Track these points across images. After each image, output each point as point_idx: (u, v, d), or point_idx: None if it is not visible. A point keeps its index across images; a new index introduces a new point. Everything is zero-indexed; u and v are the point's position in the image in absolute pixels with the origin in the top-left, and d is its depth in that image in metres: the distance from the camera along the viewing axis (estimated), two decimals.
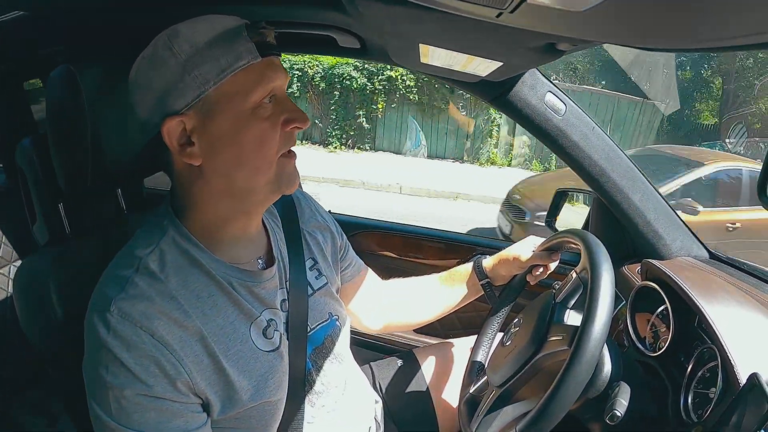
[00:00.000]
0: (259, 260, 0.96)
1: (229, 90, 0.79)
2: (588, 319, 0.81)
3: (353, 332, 1.17)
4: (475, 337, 1.26)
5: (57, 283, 0.93)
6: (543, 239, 1.21)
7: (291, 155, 0.88)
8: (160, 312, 0.78)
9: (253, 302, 0.90)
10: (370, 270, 1.31)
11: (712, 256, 1.35)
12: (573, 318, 0.95)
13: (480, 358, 1.21)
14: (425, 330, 1.72)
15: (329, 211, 1.24)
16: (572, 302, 0.97)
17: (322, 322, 1.03)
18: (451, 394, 1.25)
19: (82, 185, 0.97)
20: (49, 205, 1.02)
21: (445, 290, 1.32)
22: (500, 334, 1.15)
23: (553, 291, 1.03)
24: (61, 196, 1.02)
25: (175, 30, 0.80)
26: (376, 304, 1.31)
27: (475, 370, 1.19)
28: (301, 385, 0.95)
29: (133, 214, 1.15)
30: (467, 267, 1.31)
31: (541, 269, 1.21)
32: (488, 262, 1.29)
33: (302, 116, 0.85)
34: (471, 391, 1.12)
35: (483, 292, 1.29)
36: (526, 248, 1.23)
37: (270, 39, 0.83)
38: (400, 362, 1.41)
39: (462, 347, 1.39)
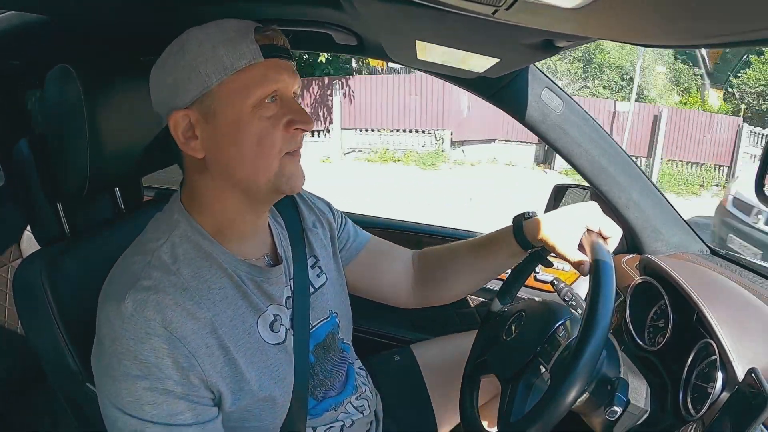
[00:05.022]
0: (266, 257, 0.98)
1: (231, 88, 0.83)
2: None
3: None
4: (470, 332, 1.25)
5: (53, 284, 0.94)
6: (595, 223, 1.02)
7: (295, 155, 0.89)
8: (174, 304, 0.79)
9: (261, 297, 0.92)
10: (386, 241, 1.27)
11: (711, 251, 1.35)
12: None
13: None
14: (422, 326, 1.72)
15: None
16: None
17: (323, 320, 1.05)
18: (449, 390, 1.24)
19: (81, 185, 0.97)
20: (48, 205, 1.02)
21: (482, 261, 1.18)
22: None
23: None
24: (60, 196, 1.02)
25: (189, 33, 0.85)
26: (404, 276, 1.24)
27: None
28: (305, 380, 0.97)
29: (131, 213, 1.15)
30: (506, 233, 1.12)
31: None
32: (532, 227, 1.08)
33: (305, 118, 0.87)
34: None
35: (523, 258, 1.13)
36: (573, 238, 1.01)
37: (278, 42, 0.86)
38: (397, 358, 1.41)
39: (459, 343, 1.38)
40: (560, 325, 0.97)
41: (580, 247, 1.01)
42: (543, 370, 0.94)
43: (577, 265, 0.99)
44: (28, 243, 1.87)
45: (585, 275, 0.95)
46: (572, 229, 1.02)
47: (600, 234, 1.01)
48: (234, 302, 0.87)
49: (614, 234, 1.02)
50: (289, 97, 0.88)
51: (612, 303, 0.83)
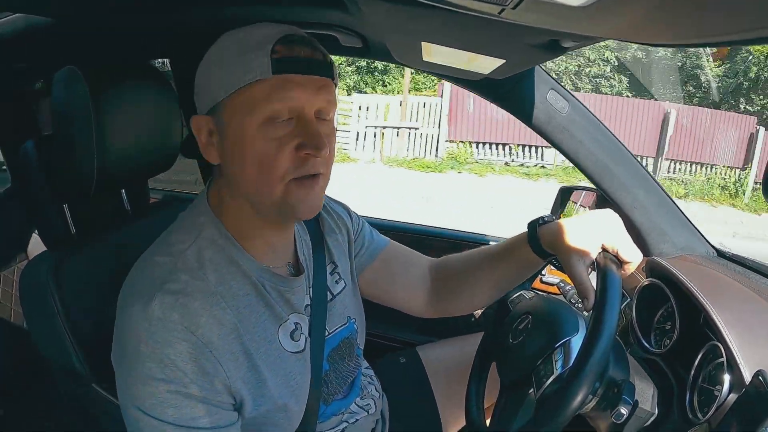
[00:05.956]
0: (289, 265, 0.97)
1: (238, 103, 0.80)
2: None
3: None
4: (476, 335, 1.24)
5: (59, 286, 0.94)
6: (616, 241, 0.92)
7: (303, 183, 0.83)
8: (201, 308, 0.79)
9: (283, 305, 0.91)
10: (404, 247, 1.22)
11: (718, 253, 1.34)
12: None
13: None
14: (428, 328, 1.72)
15: None
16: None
17: (341, 326, 1.04)
18: (454, 391, 1.24)
19: (88, 186, 0.98)
20: (54, 206, 1.02)
21: (499, 271, 1.10)
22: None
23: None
24: (66, 197, 1.02)
25: (224, 36, 0.84)
26: (421, 285, 1.19)
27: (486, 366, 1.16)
28: (318, 386, 0.97)
29: (138, 215, 1.16)
30: (521, 240, 1.04)
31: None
32: (545, 234, 0.99)
33: (316, 143, 0.80)
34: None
35: (541, 266, 1.07)
36: (585, 256, 0.92)
37: (301, 53, 0.80)
38: (403, 359, 1.41)
39: (464, 345, 1.39)
40: (560, 345, 0.92)
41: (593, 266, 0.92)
42: (532, 393, 0.92)
43: (581, 291, 0.90)
44: (34, 244, 1.88)
45: (587, 310, 0.87)
46: (585, 246, 0.92)
47: (617, 255, 0.91)
48: (257, 310, 0.86)
49: (633, 259, 0.91)
50: (308, 117, 0.81)
51: (616, 326, 0.79)
